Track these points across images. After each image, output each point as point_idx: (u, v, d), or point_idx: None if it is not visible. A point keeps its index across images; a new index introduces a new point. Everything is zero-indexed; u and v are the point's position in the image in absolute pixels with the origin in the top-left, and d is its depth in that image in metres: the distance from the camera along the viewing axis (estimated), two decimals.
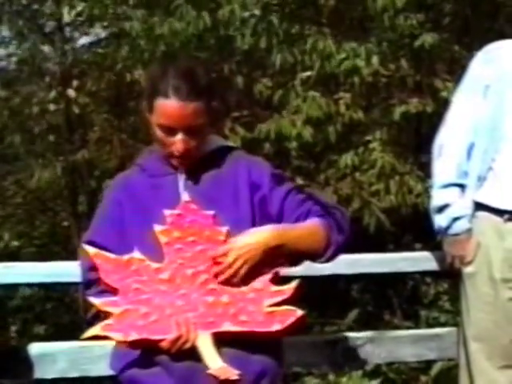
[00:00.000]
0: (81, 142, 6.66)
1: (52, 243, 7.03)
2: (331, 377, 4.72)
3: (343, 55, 4.88)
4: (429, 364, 4.60)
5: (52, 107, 6.25)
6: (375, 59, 4.92)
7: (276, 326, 2.04)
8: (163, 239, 2.03)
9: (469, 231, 2.73)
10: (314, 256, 2.13)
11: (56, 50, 6.55)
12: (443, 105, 3.02)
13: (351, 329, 4.97)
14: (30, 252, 6.79)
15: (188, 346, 1.99)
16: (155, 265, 2.03)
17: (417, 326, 5.24)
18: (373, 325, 5.03)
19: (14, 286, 4.79)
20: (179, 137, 2.04)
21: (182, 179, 2.13)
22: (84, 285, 2.14)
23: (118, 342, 2.03)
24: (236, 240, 2.04)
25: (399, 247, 5.26)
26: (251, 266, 2.03)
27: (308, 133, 4.86)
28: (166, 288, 2.02)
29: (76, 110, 6.24)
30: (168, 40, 5.01)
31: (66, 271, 2.70)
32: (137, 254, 2.03)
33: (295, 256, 2.11)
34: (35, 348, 2.75)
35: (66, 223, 6.88)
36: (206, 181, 2.14)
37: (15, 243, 6.84)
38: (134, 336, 1.99)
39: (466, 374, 2.78)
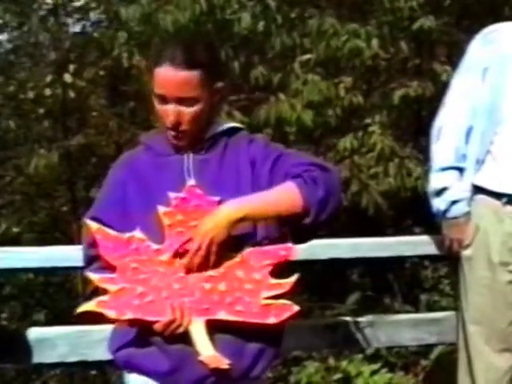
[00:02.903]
0: (78, 127, 6.63)
1: (52, 229, 7.01)
2: (331, 361, 4.73)
3: (345, 37, 4.86)
4: (429, 348, 4.61)
5: (48, 92, 6.19)
6: (375, 42, 4.90)
7: (271, 320, 2.02)
8: (166, 221, 2.01)
9: (467, 214, 2.73)
10: (300, 218, 2.03)
11: (51, 34, 6.50)
12: (443, 88, 3.01)
13: (351, 313, 4.97)
14: (30, 238, 6.78)
15: (181, 330, 1.98)
16: (155, 246, 2.01)
17: (417, 310, 5.24)
18: (373, 309, 5.03)
19: (13, 271, 4.78)
20: (171, 106, 2.03)
21: (187, 161, 2.11)
22: (85, 261, 2.12)
23: (112, 320, 2.01)
24: (197, 227, 2.00)
25: (399, 231, 5.26)
26: (219, 245, 1.98)
27: (308, 116, 4.84)
28: (164, 270, 2.00)
29: (72, 94, 6.19)
30: (166, 27, 4.99)
31: (65, 256, 2.69)
32: (138, 234, 2.01)
33: (282, 223, 2.05)
34: (35, 333, 2.75)
35: (64, 208, 6.86)
36: (210, 163, 2.11)
37: (16, 229, 6.82)
38: (128, 315, 1.98)
39: (464, 358, 2.78)
